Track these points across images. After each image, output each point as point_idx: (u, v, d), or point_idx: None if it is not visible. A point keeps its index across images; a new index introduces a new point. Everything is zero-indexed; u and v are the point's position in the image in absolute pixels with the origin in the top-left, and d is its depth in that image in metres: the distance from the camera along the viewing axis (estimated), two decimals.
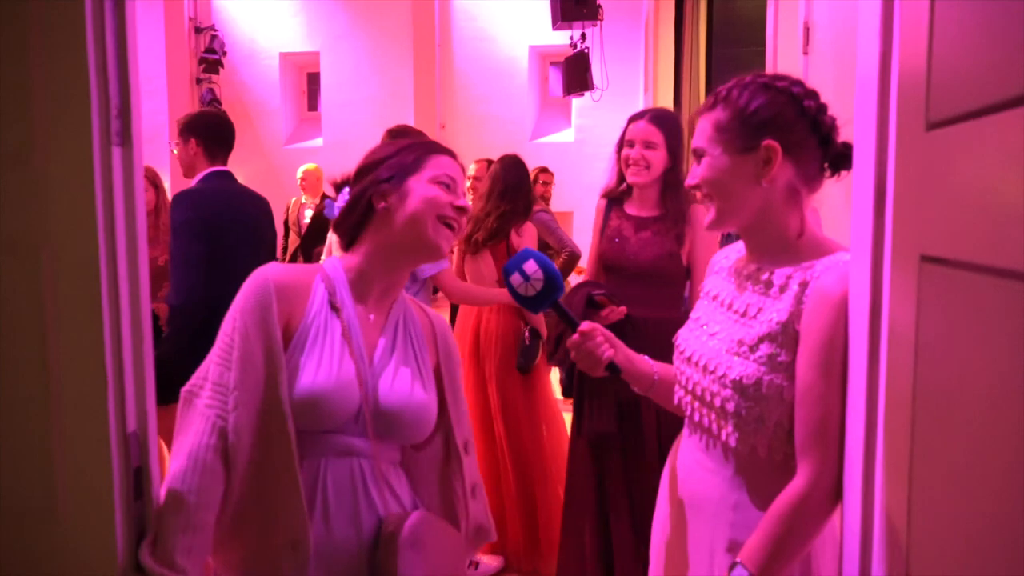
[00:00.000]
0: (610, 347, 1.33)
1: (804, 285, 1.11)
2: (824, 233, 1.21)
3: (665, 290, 2.46)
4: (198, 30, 10.58)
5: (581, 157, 9.44)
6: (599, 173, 8.91)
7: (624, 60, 9.52)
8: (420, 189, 1.30)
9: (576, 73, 7.70)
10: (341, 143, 9.45)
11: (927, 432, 0.68)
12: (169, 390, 2.87)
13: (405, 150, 1.37)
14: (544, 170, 6.01)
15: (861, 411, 0.90)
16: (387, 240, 1.30)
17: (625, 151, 2.45)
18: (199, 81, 10.63)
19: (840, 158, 1.14)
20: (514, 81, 10.43)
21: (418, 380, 1.32)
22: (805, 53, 2.66)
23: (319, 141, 10.25)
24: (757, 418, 1.12)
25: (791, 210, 1.17)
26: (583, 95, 7.87)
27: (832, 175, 1.19)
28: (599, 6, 7.14)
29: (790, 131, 1.15)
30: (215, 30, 10.45)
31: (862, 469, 0.89)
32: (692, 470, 1.27)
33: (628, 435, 2.39)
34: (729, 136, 1.18)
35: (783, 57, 3.05)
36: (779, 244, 1.19)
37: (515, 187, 3.27)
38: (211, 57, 10.36)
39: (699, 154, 1.22)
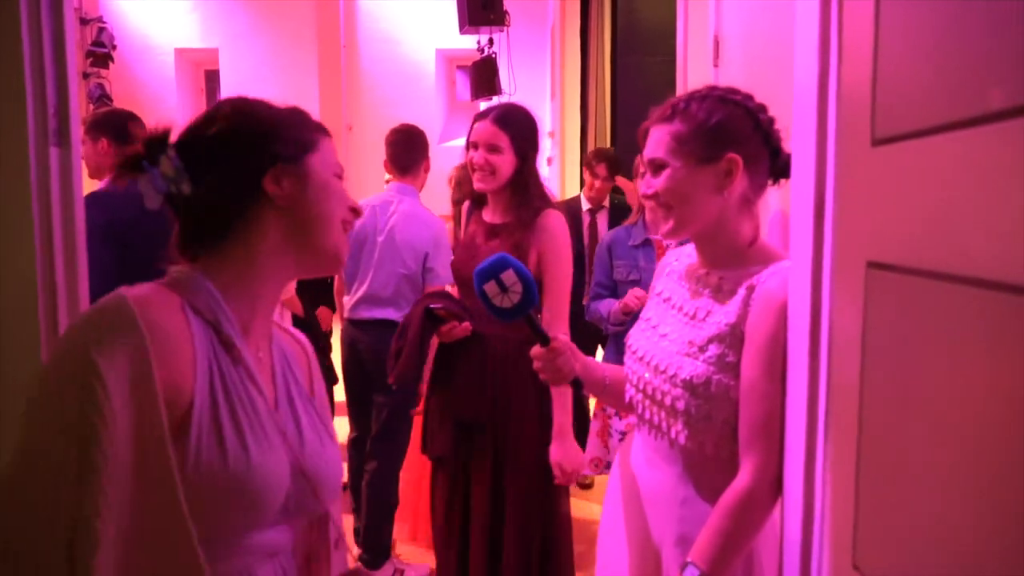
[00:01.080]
0: (573, 366, 1.33)
1: (751, 289, 1.17)
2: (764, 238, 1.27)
3: None
4: (84, 21, 10.00)
5: None
6: None
7: (531, 65, 9.64)
8: (324, 177, 1.02)
9: (484, 78, 7.74)
10: None
11: (875, 429, 0.73)
12: None
13: (296, 117, 1.06)
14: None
15: (802, 409, 0.95)
16: (283, 242, 0.98)
17: (469, 154, 2.22)
18: (87, 75, 10.06)
19: (785, 168, 1.21)
20: (421, 84, 10.38)
21: (324, 430, 1.05)
22: (716, 65, 2.77)
23: None
24: (705, 416, 1.17)
25: (744, 218, 1.23)
26: (491, 99, 7.90)
27: (773, 183, 1.25)
28: (506, 12, 7.20)
29: (748, 144, 1.21)
30: (103, 22, 9.90)
31: (803, 464, 0.94)
32: (641, 467, 1.31)
33: (465, 458, 2.22)
34: (690, 148, 1.22)
35: (693, 68, 3.16)
36: (730, 251, 1.24)
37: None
38: (99, 51, 9.81)
39: (657, 165, 1.25)
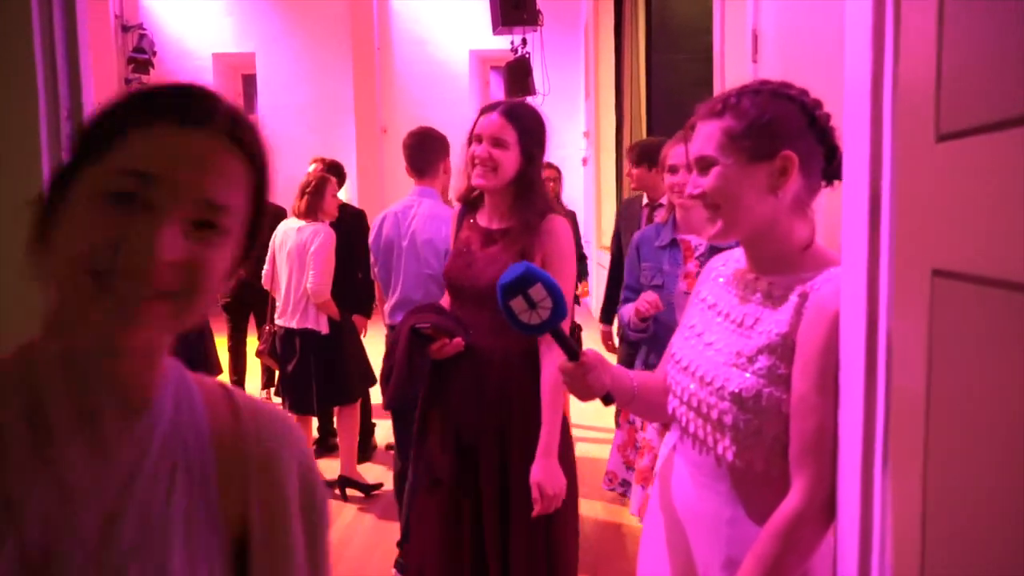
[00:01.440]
0: (604, 381, 1.27)
1: (804, 297, 1.10)
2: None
3: None
4: (125, 28, 10.19)
5: None
6: None
7: (565, 65, 9.58)
8: None
9: (517, 78, 7.68)
10: (279, 146, 9.19)
11: (944, 451, 0.67)
12: None
13: None
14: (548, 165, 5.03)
15: (857, 425, 0.89)
16: None
17: (471, 148, 2.03)
18: (128, 81, 10.23)
19: (839, 168, 1.14)
20: (455, 85, 10.38)
21: None
22: (754, 61, 2.69)
23: None
24: (755, 431, 1.11)
25: (797, 221, 1.16)
26: (525, 100, 7.84)
27: (828, 184, 1.18)
28: (539, 11, 7.15)
29: (802, 141, 1.14)
30: (143, 29, 10.08)
31: (860, 486, 0.88)
32: (685, 484, 1.25)
33: (469, 483, 2.04)
34: (742, 145, 1.14)
35: (731, 64, 3.08)
36: (782, 255, 1.17)
37: None
38: (140, 57, 9.98)
39: (706, 163, 1.18)
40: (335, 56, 9.99)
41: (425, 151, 3.18)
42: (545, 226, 1.99)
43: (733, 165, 1.15)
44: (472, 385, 2.03)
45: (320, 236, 3.70)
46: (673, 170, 2.37)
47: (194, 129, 0.65)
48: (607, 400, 1.29)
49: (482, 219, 2.10)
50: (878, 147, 0.83)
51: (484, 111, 2.09)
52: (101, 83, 10.42)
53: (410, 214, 3.10)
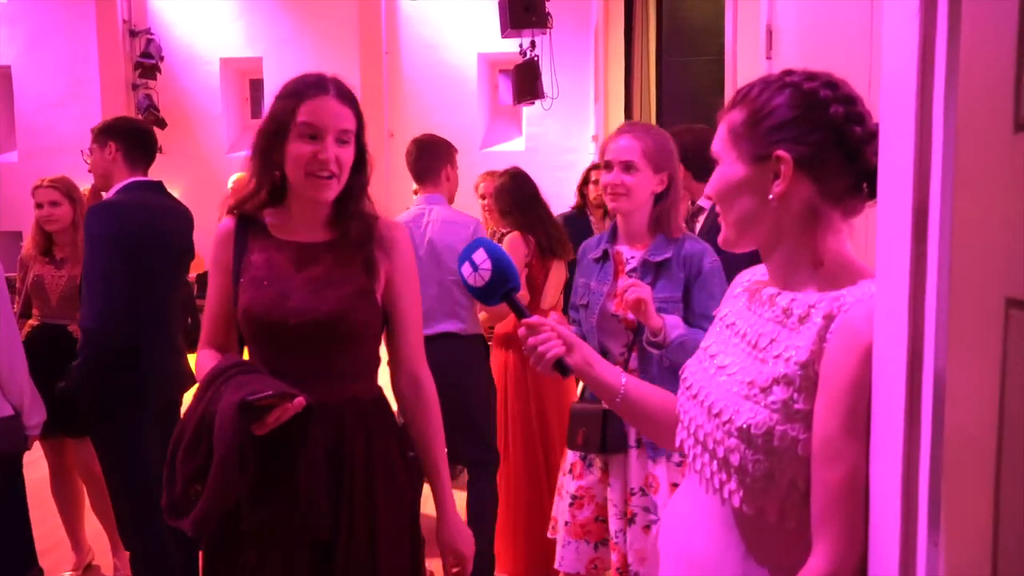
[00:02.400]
0: (561, 345, 1.23)
1: (829, 318, 0.94)
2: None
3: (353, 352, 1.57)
4: (133, 33, 10.14)
5: (532, 166, 9.26)
6: (550, 182, 8.80)
7: (574, 68, 9.46)
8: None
9: (526, 81, 7.58)
10: None
11: (1020, 508, 0.52)
12: (79, 423, 2.63)
13: None
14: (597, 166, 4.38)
15: (896, 477, 0.74)
16: None
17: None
18: (135, 87, 10.18)
19: (867, 176, 0.98)
20: (463, 89, 10.27)
21: None
22: (768, 57, 2.55)
23: None
24: (766, 475, 0.95)
25: (810, 234, 1.01)
26: (533, 103, 7.74)
27: (871, 197, 1.02)
28: (548, 14, 7.03)
29: (806, 140, 0.98)
30: (151, 34, 10.03)
31: (899, 550, 0.73)
32: (691, 529, 1.09)
33: None
34: (741, 141, 1.02)
35: (744, 63, 2.94)
36: (800, 268, 1.02)
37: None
38: (147, 62, 9.94)
39: (716, 159, 1.07)
40: (343, 60, 9.90)
41: (426, 157, 3.14)
42: (387, 234, 1.58)
43: (733, 163, 1.03)
44: (325, 462, 1.48)
45: None
46: (608, 167, 2.07)
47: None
48: (563, 371, 1.23)
49: (282, 233, 1.56)
50: (925, 144, 0.68)
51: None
52: (109, 87, 10.41)
53: (423, 222, 3.02)
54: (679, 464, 2.04)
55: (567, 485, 2.19)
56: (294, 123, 1.46)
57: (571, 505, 2.16)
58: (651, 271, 2.06)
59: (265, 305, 1.48)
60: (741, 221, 1.04)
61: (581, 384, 2.19)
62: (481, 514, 2.92)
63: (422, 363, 1.65)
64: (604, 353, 2.04)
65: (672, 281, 2.05)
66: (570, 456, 2.20)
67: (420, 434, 1.63)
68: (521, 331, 1.25)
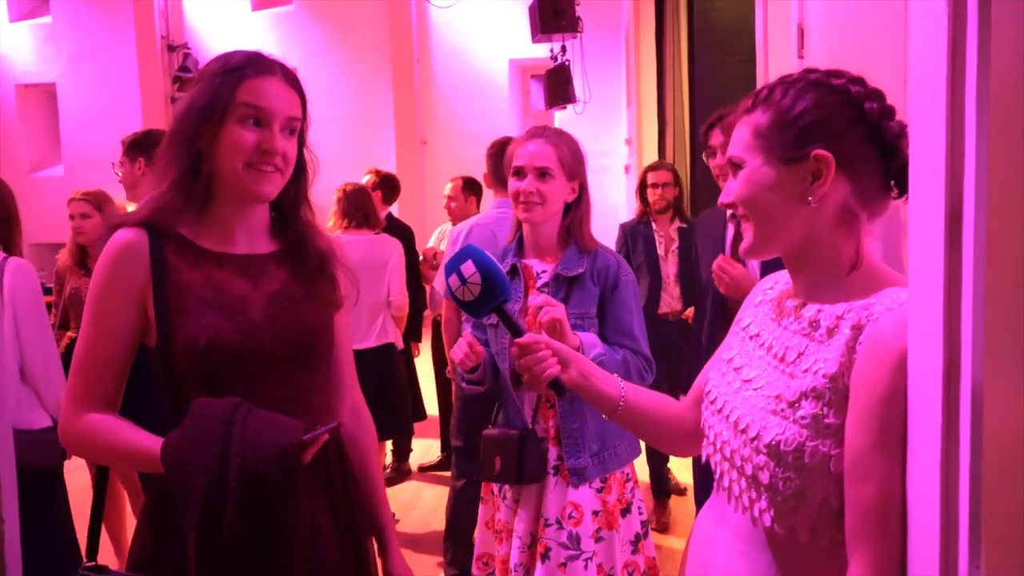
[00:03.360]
0: (557, 363, 1.20)
1: (858, 329, 0.90)
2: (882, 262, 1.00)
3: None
4: (171, 48, 10.37)
5: None
6: None
7: (606, 72, 9.41)
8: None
9: (558, 86, 7.57)
10: (320, 161, 9.26)
11: None
12: None
13: None
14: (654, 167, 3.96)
15: (934, 494, 0.70)
16: None
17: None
18: (174, 100, 10.40)
19: (901, 173, 0.94)
20: (495, 95, 10.29)
21: None
22: (800, 57, 2.49)
23: None
24: (797, 493, 0.92)
25: (844, 236, 0.97)
26: (565, 108, 7.72)
27: (900, 195, 0.98)
28: (579, 18, 7.01)
29: (843, 139, 0.95)
30: (188, 48, 10.24)
31: (939, 570, 0.69)
32: (719, 549, 1.05)
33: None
34: (770, 143, 0.97)
35: (775, 62, 2.89)
36: (829, 276, 0.98)
37: None
38: (185, 76, 10.14)
39: (736, 165, 1.02)
40: (375, 69, 9.99)
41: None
42: (339, 250, 1.38)
43: (760, 167, 0.98)
44: (326, 496, 1.28)
45: (398, 250, 3.61)
46: (520, 174, 1.88)
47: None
48: (558, 390, 1.20)
49: (214, 244, 1.27)
50: (957, 145, 0.64)
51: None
52: (149, 101, 10.64)
53: (505, 225, 2.93)
54: (600, 490, 1.90)
55: (484, 516, 2.04)
56: (234, 104, 1.19)
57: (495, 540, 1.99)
58: (564, 286, 1.89)
59: (232, 331, 1.19)
60: (772, 227, 0.99)
61: (496, 406, 2.05)
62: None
63: (360, 394, 1.44)
64: (515, 377, 1.85)
65: (586, 296, 1.88)
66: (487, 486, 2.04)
67: (364, 470, 1.38)
68: (513, 350, 1.21)
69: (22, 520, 2.15)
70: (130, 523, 3.26)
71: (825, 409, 0.90)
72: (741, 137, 1.02)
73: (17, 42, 10.31)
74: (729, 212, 2.16)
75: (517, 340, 1.20)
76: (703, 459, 1.11)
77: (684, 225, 3.76)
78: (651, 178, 3.81)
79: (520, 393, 1.93)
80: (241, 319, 1.22)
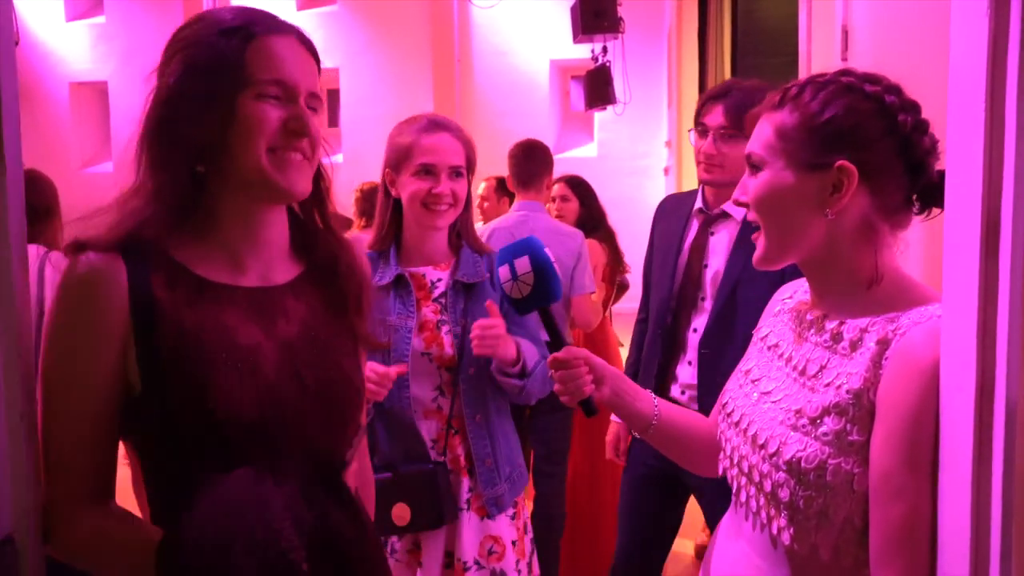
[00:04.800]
0: (591, 382, 1.14)
1: (884, 344, 0.87)
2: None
3: None
4: None
5: (604, 172, 9.24)
6: (623, 188, 8.72)
7: (647, 73, 9.34)
8: None
9: (598, 87, 7.53)
10: (361, 159, 9.33)
11: None
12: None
13: None
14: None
15: (965, 516, 0.68)
16: None
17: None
18: None
19: (933, 191, 0.91)
20: (535, 96, 10.27)
21: None
22: (844, 59, 2.44)
23: (339, 157, 10.19)
24: (819, 512, 0.89)
25: (864, 248, 0.94)
26: (605, 109, 7.68)
27: (921, 211, 0.95)
28: (620, 18, 6.97)
29: (870, 149, 0.92)
30: None
31: None
32: (737, 566, 1.03)
33: None
34: (793, 147, 0.93)
35: (818, 64, 2.83)
36: (849, 288, 0.95)
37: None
38: None
39: (755, 163, 0.97)
40: (416, 69, 10.05)
41: (534, 162, 3.05)
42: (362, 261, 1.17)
43: (781, 171, 0.94)
44: None
45: None
46: (432, 172, 1.62)
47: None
48: (588, 410, 1.13)
49: (215, 273, 0.99)
50: (996, 152, 0.62)
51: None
52: None
53: (526, 229, 2.86)
54: (513, 516, 1.71)
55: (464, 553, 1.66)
56: (244, 72, 0.91)
57: None
58: (462, 294, 1.66)
59: (251, 396, 0.91)
60: (788, 235, 0.95)
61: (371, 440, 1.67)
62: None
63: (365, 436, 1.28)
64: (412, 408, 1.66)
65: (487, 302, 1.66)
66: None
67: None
68: (550, 361, 1.15)
69: None
70: None
71: (849, 426, 0.88)
72: (763, 135, 0.97)
73: (72, 41, 10.61)
74: (697, 206, 1.96)
75: (555, 354, 1.13)
76: (719, 472, 1.09)
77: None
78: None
79: (417, 420, 1.64)
80: (257, 380, 0.93)
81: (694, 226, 2.00)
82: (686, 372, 1.94)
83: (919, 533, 0.80)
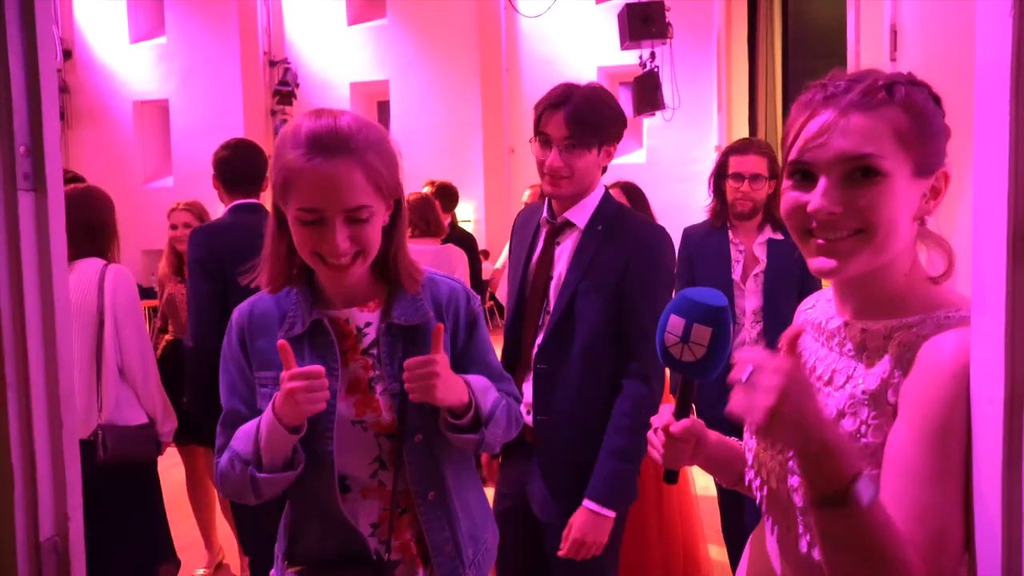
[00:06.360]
0: (691, 454, 1.05)
1: (904, 347, 0.84)
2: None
3: None
4: (272, 63, 10.86)
5: (653, 178, 9.19)
6: (672, 194, 8.63)
7: (695, 78, 9.25)
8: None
9: (646, 93, 7.49)
10: (411, 169, 9.46)
11: None
12: (191, 433, 2.78)
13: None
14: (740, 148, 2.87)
15: (996, 524, 0.65)
16: None
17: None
18: (274, 113, 10.90)
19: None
20: None
21: None
22: (893, 60, 2.38)
23: None
24: None
25: (912, 253, 0.91)
26: (654, 115, 7.63)
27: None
28: (668, 24, 6.93)
29: (945, 154, 0.89)
30: (288, 63, 10.70)
31: None
32: (769, 571, 1.02)
33: None
34: (913, 152, 0.85)
35: (867, 65, 2.77)
36: (887, 295, 0.91)
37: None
38: (284, 89, 10.61)
39: (871, 170, 0.85)
40: (464, 79, 10.16)
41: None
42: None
43: (905, 178, 0.85)
44: None
45: (463, 260, 3.66)
46: (316, 222, 1.14)
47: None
48: (670, 478, 1.06)
49: None
50: (1022, 156, 0.60)
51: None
52: (251, 114, 11.11)
53: None
54: None
55: None
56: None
57: None
58: (399, 340, 1.26)
59: None
60: (885, 246, 0.87)
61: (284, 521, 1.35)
62: None
63: None
64: (344, 485, 1.26)
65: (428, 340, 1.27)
66: None
67: None
68: (672, 430, 1.01)
69: (117, 512, 2.29)
70: (220, 520, 3.42)
71: (863, 427, 0.85)
72: (878, 135, 0.85)
73: (136, 62, 11.04)
74: (543, 216, 1.74)
75: (673, 428, 1.01)
76: (745, 482, 1.07)
77: (779, 236, 2.59)
78: (734, 164, 2.64)
79: (348, 502, 1.27)
80: None
81: (541, 239, 1.84)
82: (529, 390, 1.74)
83: (946, 546, 0.76)
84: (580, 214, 1.78)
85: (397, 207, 1.26)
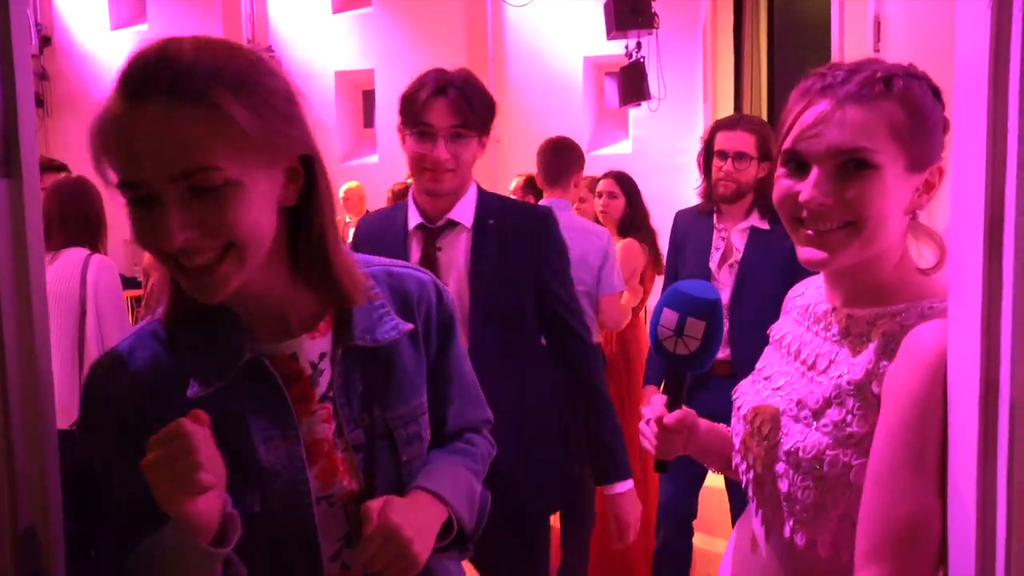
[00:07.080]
0: (683, 446, 1.08)
1: (888, 336, 0.85)
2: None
3: None
4: None
5: (639, 169, 9.18)
6: (659, 184, 8.65)
7: (682, 69, 9.25)
8: None
9: (632, 83, 7.50)
10: (397, 159, 9.43)
11: None
12: None
13: None
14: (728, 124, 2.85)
15: (971, 514, 0.66)
16: None
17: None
18: None
19: None
20: (569, 93, 10.25)
21: None
22: (876, 50, 2.40)
23: (375, 158, 10.30)
24: (816, 504, 0.88)
25: (903, 244, 0.91)
26: (640, 105, 7.64)
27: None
28: (655, 14, 6.92)
29: (942, 148, 0.90)
30: (272, 51, 10.58)
31: None
32: (745, 560, 1.03)
33: None
34: (908, 147, 0.85)
35: (851, 56, 2.78)
36: (877, 284, 0.92)
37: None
38: None
39: (864, 163, 0.85)
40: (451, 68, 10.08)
41: (562, 159, 3.03)
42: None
43: (898, 173, 0.86)
44: None
45: None
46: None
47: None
48: (661, 468, 1.08)
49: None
50: (999, 148, 0.61)
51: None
52: None
53: None
54: None
55: None
56: None
57: None
58: (359, 364, 0.95)
59: None
60: (875, 239, 0.88)
61: None
62: None
63: None
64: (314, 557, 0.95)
65: (405, 371, 1.00)
66: None
67: None
68: (665, 422, 1.04)
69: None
70: None
71: (848, 417, 0.86)
72: (873, 128, 0.85)
73: (117, 49, 10.89)
74: (416, 223, 1.58)
75: (666, 420, 1.03)
76: (733, 466, 1.08)
77: (765, 226, 2.39)
78: (720, 141, 2.44)
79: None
80: None
81: (415, 248, 1.61)
82: None
83: (921, 533, 0.77)
84: (464, 212, 1.62)
85: (309, 176, 0.92)
